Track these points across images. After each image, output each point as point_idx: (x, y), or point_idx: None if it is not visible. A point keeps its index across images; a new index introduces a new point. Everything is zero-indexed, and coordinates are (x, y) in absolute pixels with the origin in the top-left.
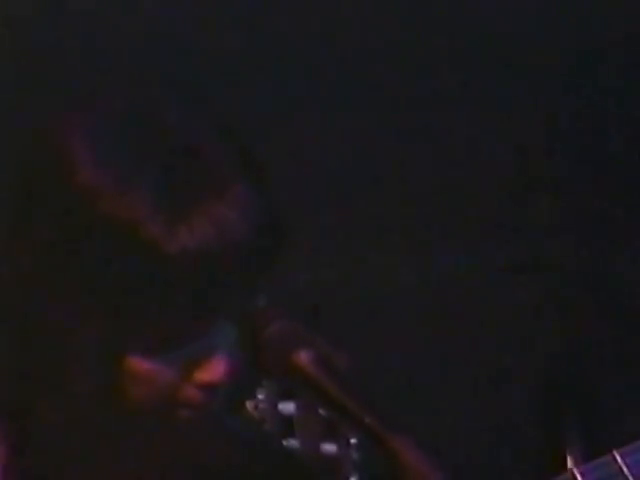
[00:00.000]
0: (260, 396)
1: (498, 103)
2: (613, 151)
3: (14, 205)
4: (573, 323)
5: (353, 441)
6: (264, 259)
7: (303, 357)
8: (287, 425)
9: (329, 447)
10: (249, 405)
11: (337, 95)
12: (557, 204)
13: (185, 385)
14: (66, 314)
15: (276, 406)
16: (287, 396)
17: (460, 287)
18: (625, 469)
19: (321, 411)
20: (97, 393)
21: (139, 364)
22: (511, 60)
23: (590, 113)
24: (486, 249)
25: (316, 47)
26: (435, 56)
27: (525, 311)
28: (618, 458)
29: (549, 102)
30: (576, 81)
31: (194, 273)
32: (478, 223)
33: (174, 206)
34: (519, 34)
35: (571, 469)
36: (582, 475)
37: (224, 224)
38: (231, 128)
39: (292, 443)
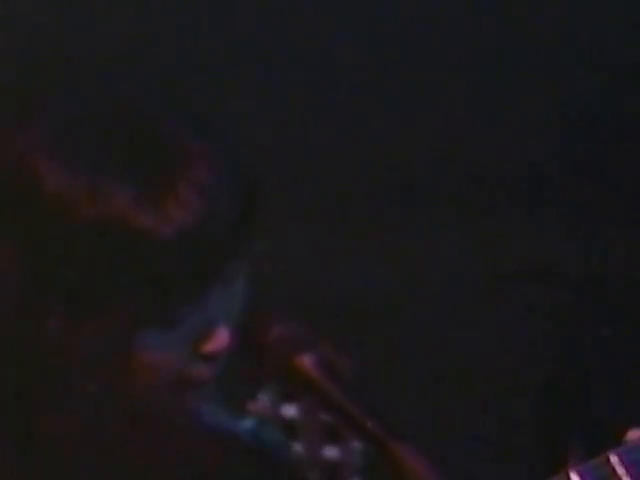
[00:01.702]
0: (262, 399)
1: (498, 108)
2: (613, 154)
3: None
4: (573, 328)
5: (355, 445)
6: (245, 225)
7: (306, 360)
8: (289, 428)
9: (331, 451)
10: (251, 408)
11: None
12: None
13: (191, 362)
14: (64, 318)
15: (278, 409)
16: (289, 399)
17: (461, 292)
18: (620, 470)
19: (323, 415)
20: (105, 393)
21: (145, 353)
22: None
23: (590, 117)
24: (489, 254)
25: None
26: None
27: (525, 315)
28: (613, 459)
29: (549, 105)
30: (573, 83)
31: (188, 248)
32: (479, 227)
33: (157, 184)
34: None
35: (567, 469)
36: (579, 475)
37: (207, 189)
38: (184, 100)
39: (294, 447)
